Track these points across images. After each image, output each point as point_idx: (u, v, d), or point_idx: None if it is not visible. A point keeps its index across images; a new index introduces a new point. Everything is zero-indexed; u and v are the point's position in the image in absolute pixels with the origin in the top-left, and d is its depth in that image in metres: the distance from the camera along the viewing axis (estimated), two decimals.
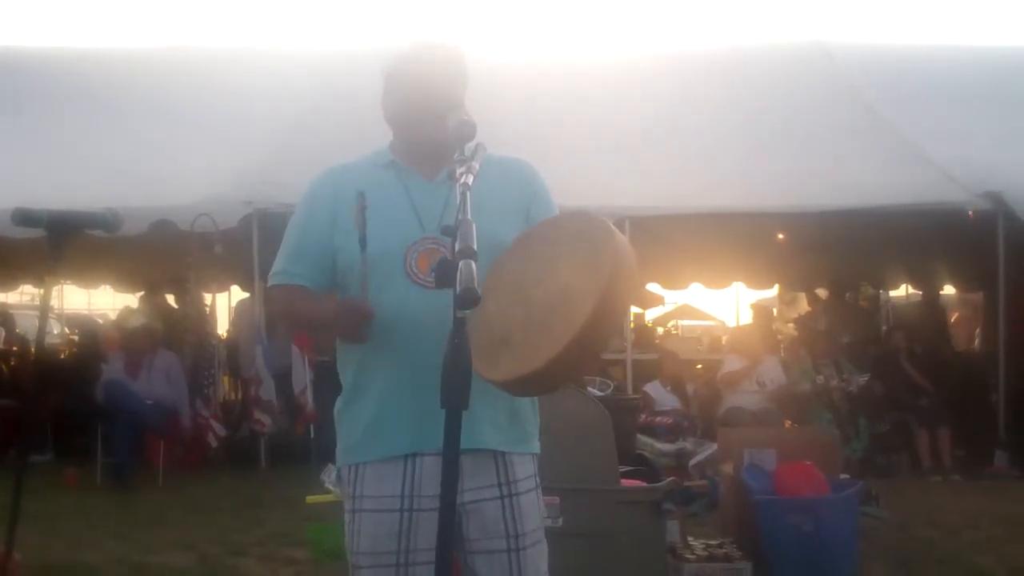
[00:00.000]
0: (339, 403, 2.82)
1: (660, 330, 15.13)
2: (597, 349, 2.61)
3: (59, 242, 2.66)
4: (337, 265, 2.77)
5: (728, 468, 6.87)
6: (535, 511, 2.78)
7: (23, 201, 2.99)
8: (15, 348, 13.76)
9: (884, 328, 13.98)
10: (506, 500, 2.71)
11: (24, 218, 2.63)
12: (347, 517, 2.76)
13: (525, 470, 2.78)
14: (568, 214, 2.74)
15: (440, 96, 2.70)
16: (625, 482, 5.73)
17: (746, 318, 14.76)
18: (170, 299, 12.89)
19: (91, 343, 12.59)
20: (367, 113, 2.85)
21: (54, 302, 14.64)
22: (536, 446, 2.84)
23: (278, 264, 2.85)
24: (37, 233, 2.73)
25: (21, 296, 20.11)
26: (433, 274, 2.31)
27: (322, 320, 2.76)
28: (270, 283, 2.87)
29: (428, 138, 2.73)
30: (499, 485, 2.71)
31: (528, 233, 2.69)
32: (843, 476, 6.94)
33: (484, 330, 2.47)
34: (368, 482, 2.71)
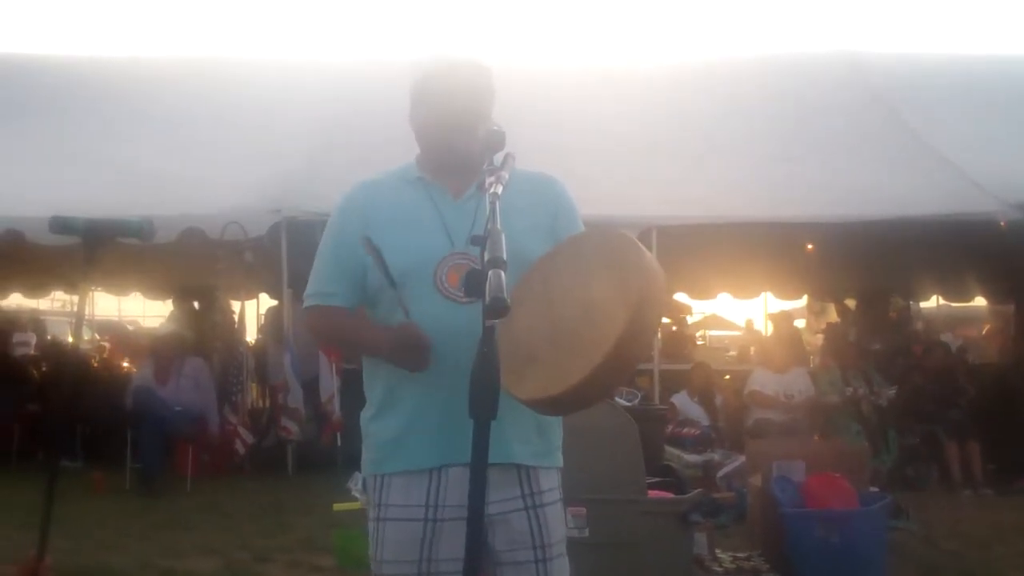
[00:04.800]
0: (366, 415, 2.83)
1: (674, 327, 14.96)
2: (627, 370, 2.59)
3: (94, 250, 2.67)
4: (368, 281, 2.77)
5: (756, 480, 6.85)
6: (560, 523, 2.79)
7: (54, 208, 3.01)
8: (46, 354, 13.86)
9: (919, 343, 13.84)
10: (531, 511, 2.71)
11: (61, 226, 2.64)
12: (371, 526, 2.78)
13: (549, 482, 2.78)
14: (595, 230, 2.73)
15: (467, 111, 2.71)
16: (652, 493, 5.72)
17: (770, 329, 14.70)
18: (195, 306, 12.94)
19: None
20: (396, 123, 2.86)
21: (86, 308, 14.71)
22: (560, 459, 2.85)
23: (315, 285, 2.85)
24: (70, 240, 2.74)
25: (52, 302, 20.27)
26: (463, 288, 2.31)
27: (376, 348, 2.74)
28: (307, 304, 2.87)
29: (456, 153, 2.73)
30: (523, 496, 2.71)
31: (555, 249, 2.69)
32: (872, 489, 6.90)
33: (512, 346, 2.46)
34: (394, 491, 2.72)
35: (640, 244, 2.53)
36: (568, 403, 2.46)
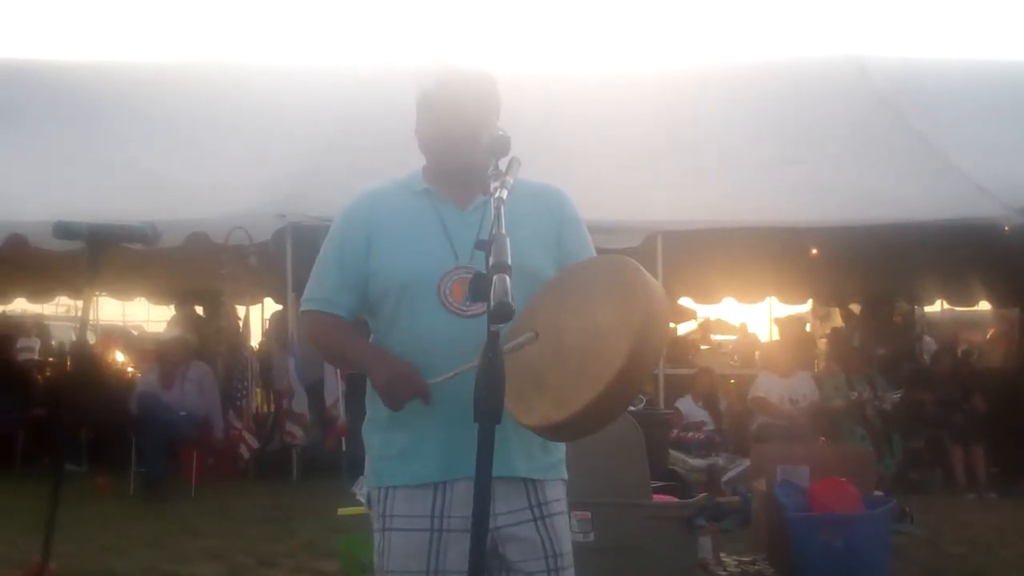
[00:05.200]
0: (368, 427, 2.82)
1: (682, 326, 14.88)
2: (630, 397, 2.60)
3: (98, 255, 2.67)
4: (369, 289, 2.76)
5: (761, 484, 6.85)
6: (567, 534, 2.79)
7: (60, 213, 3.01)
8: (50, 359, 13.89)
9: (926, 348, 13.81)
10: (539, 522, 2.71)
11: (65, 231, 2.64)
12: (376, 537, 2.76)
13: (556, 493, 2.79)
14: (600, 257, 2.75)
15: (473, 122, 2.69)
16: (657, 497, 5.72)
17: (777, 333, 14.70)
18: (199, 310, 12.96)
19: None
20: (401, 128, 2.86)
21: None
22: (564, 472, 2.85)
23: (316, 290, 2.83)
24: (74, 245, 2.74)
25: (57, 307, 20.29)
26: (468, 302, 2.32)
27: (370, 373, 2.73)
28: (306, 307, 2.84)
29: (462, 164, 2.73)
30: (531, 508, 2.71)
31: (561, 275, 2.70)
32: (876, 493, 6.90)
33: (518, 371, 2.45)
34: (399, 503, 2.71)
35: (644, 270, 2.53)
36: (574, 429, 2.47)
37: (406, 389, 2.61)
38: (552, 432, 2.52)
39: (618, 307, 2.44)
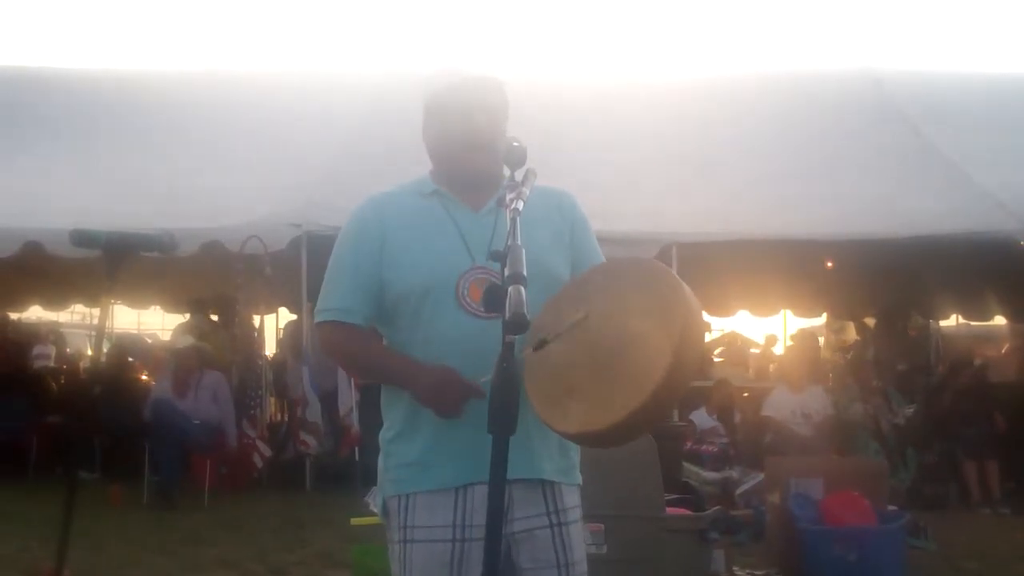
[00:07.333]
0: (387, 435, 2.78)
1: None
2: (671, 406, 2.58)
3: (115, 263, 2.67)
4: (386, 295, 2.72)
5: (774, 497, 6.82)
6: (581, 542, 2.76)
7: (75, 221, 3.01)
8: (65, 366, 13.92)
9: (943, 363, 13.75)
10: (556, 528, 2.68)
11: (83, 239, 2.64)
12: (395, 548, 2.72)
13: (572, 499, 2.76)
14: (628, 258, 2.71)
15: (483, 128, 2.69)
16: (670, 510, 5.71)
17: (792, 346, 14.64)
18: (212, 319, 12.97)
19: (122, 361, 12.65)
20: (416, 137, 2.85)
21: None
22: (579, 477, 2.82)
23: (331, 300, 2.77)
24: (90, 253, 2.74)
25: (72, 315, 20.34)
26: (483, 304, 2.30)
27: (407, 384, 2.67)
28: (322, 319, 2.78)
29: (471, 170, 2.72)
30: (548, 514, 2.69)
31: (586, 275, 2.67)
32: (890, 507, 6.87)
33: (548, 376, 2.42)
34: (419, 512, 2.67)
35: (677, 275, 2.51)
36: (611, 438, 2.44)
37: (457, 392, 2.56)
38: (588, 440, 2.49)
39: (655, 312, 2.39)
